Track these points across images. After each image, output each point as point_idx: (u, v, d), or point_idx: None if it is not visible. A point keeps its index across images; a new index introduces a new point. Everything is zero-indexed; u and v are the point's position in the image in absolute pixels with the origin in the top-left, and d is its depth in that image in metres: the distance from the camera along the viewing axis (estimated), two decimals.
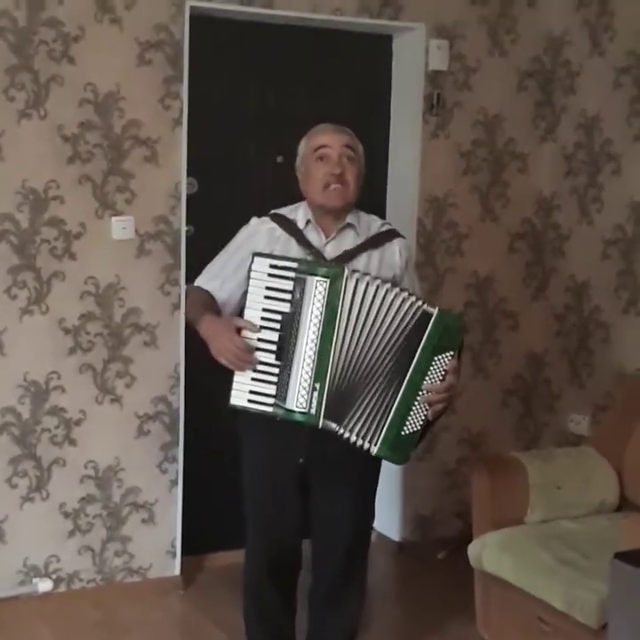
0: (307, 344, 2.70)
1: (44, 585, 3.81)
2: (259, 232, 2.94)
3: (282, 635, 3.15)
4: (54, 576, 3.84)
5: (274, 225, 2.93)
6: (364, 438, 2.75)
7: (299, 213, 2.95)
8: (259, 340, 2.74)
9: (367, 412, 2.74)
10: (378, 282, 2.73)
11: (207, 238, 3.81)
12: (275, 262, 2.74)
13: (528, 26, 4.45)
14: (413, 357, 2.73)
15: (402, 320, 2.73)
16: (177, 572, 4.04)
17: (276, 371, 2.73)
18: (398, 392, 2.74)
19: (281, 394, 2.72)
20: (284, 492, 2.94)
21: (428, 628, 3.75)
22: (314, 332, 2.69)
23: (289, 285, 2.71)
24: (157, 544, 4.00)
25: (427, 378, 2.75)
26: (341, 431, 2.73)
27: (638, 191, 4.20)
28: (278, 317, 2.72)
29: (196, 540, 4.12)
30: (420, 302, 2.74)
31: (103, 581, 3.93)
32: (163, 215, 3.87)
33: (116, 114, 3.75)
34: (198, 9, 3.85)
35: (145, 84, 3.79)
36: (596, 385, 4.41)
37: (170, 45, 3.81)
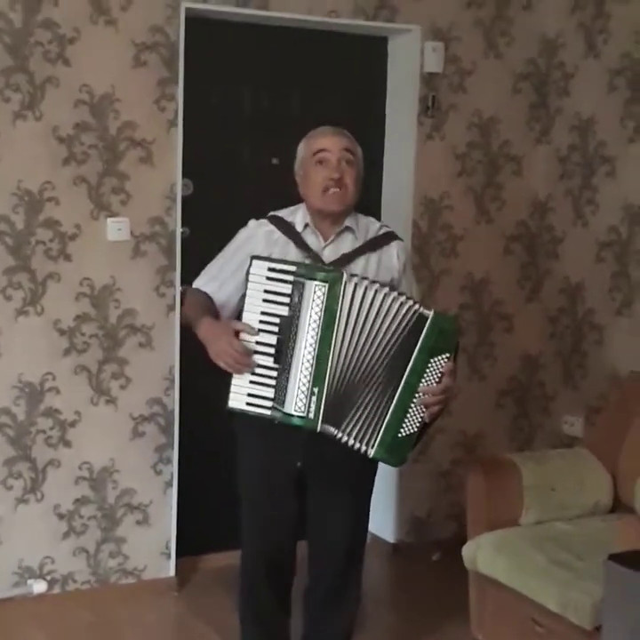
0: (305, 348, 2.70)
1: (39, 586, 3.80)
2: (257, 234, 2.93)
3: (277, 636, 3.16)
4: (49, 577, 3.84)
5: (272, 227, 2.93)
6: (361, 441, 2.75)
7: (297, 216, 2.95)
8: (257, 343, 2.73)
9: (364, 415, 2.74)
10: (376, 286, 2.73)
11: (202, 240, 3.83)
12: (273, 265, 2.74)
13: (523, 28, 4.46)
14: (409, 360, 2.74)
15: (399, 323, 2.74)
16: (171, 573, 4.04)
17: (275, 374, 2.73)
18: (395, 394, 2.74)
19: (279, 397, 2.72)
20: (281, 495, 2.95)
21: (422, 629, 3.75)
22: (312, 336, 2.69)
23: (287, 289, 2.71)
24: (152, 545, 4.00)
25: (423, 380, 2.75)
26: (339, 435, 2.73)
27: (632, 193, 4.21)
28: (276, 321, 2.72)
29: (191, 542, 4.12)
30: (416, 306, 2.75)
31: (98, 583, 3.93)
32: (158, 217, 3.88)
33: (112, 115, 3.75)
34: (194, 10, 3.85)
35: (140, 86, 3.79)
36: (589, 387, 4.42)
37: (165, 47, 3.81)
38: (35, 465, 3.78)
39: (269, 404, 2.74)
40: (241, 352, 2.71)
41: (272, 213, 2.98)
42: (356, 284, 2.70)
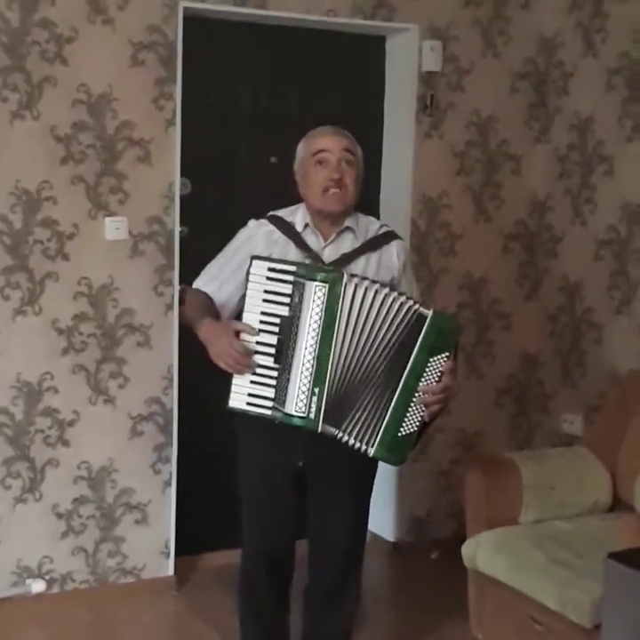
0: (305, 348, 2.69)
1: (38, 586, 3.80)
2: (257, 234, 2.93)
3: (277, 635, 3.16)
4: (47, 577, 3.84)
5: (272, 227, 2.92)
6: (361, 440, 2.74)
7: (297, 216, 2.94)
8: (257, 343, 2.73)
9: (365, 414, 2.74)
10: (376, 286, 2.72)
11: (200, 239, 3.84)
12: (273, 266, 2.73)
13: (521, 27, 4.46)
14: (409, 360, 2.73)
15: (399, 323, 2.73)
16: (170, 572, 4.04)
17: (275, 374, 2.72)
18: (395, 394, 2.74)
19: (280, 397, 2.72)
20: (281, 495, 2.94)
21: (422, 627, 3.75)
22: (313, 337, 2.69)
23: (288, 289, 2.70)
24: (151, 544, 4.00)
25: (423, 379, 2.75)
26: (340, 435, 2.73)
27: (631, 192, 4.22)
28: (277, 321, 2.71)
29: (190, 541, 4.12)
30: (415, 305, 2.74)
31: (96, 582, 3.93)
32: (156, 216, 3.87)
33: (109, 114, 3.75)
34: (191, 10, 3.85)
35: (138, 85, 3.79)
36: (588, 385, 4.43)
37: (163, 46, 3.81)
38: (33, 464, 3.77)
39: (270, 404, 2.73)
40: (241, 352, 2.70)
41: (272, 213, 2.97)
42: (356, 285, 2.70)
